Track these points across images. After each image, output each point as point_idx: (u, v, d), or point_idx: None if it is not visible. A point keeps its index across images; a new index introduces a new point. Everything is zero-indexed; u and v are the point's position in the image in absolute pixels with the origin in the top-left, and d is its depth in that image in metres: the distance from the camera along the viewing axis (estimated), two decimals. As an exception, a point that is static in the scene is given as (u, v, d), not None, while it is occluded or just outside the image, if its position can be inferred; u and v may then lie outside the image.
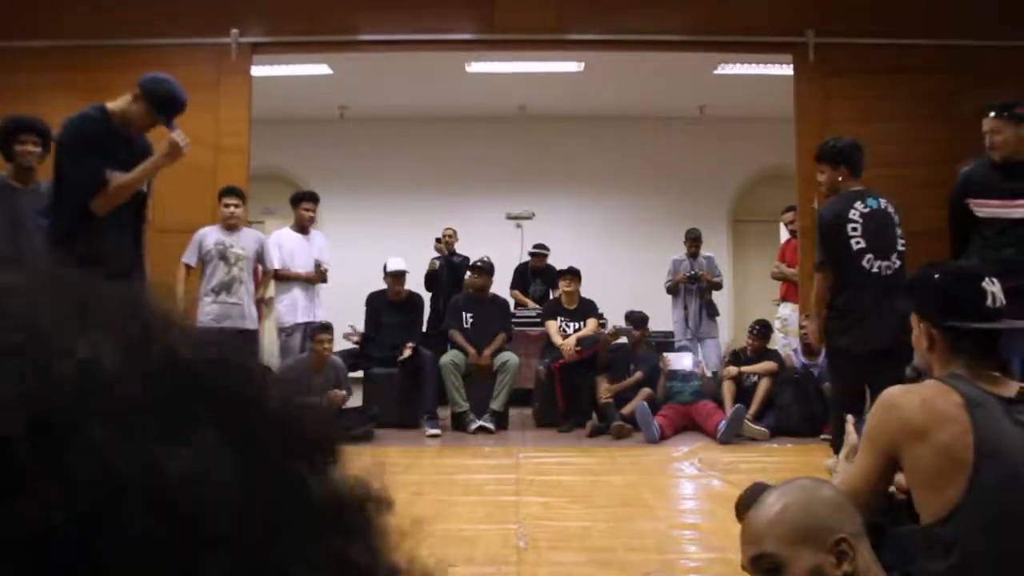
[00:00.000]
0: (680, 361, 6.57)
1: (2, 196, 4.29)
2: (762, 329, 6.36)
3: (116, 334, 0.31)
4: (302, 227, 6.34)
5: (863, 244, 3.91)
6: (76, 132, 3.28)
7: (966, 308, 1.72)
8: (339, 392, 5.67)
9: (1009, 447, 1.54)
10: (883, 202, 4.06)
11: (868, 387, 3.57)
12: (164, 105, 3.41)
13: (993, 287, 1.74)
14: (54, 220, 3.36)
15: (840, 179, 4.16)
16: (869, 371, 3.60)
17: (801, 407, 5.83)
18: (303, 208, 6.38)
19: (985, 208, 3.91)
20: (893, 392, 1.70)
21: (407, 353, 6.11)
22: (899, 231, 4.05)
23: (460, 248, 8.12)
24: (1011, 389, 1.64)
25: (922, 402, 1.61)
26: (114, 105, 3.40)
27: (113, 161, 3.28)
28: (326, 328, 5.85)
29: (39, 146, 4.30)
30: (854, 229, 3.93)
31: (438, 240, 8.01)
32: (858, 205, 3.99)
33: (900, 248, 4.00)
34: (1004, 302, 1.75)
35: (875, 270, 3.90)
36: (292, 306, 6.06)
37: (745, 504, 2.11)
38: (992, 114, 3.90)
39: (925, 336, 1.77)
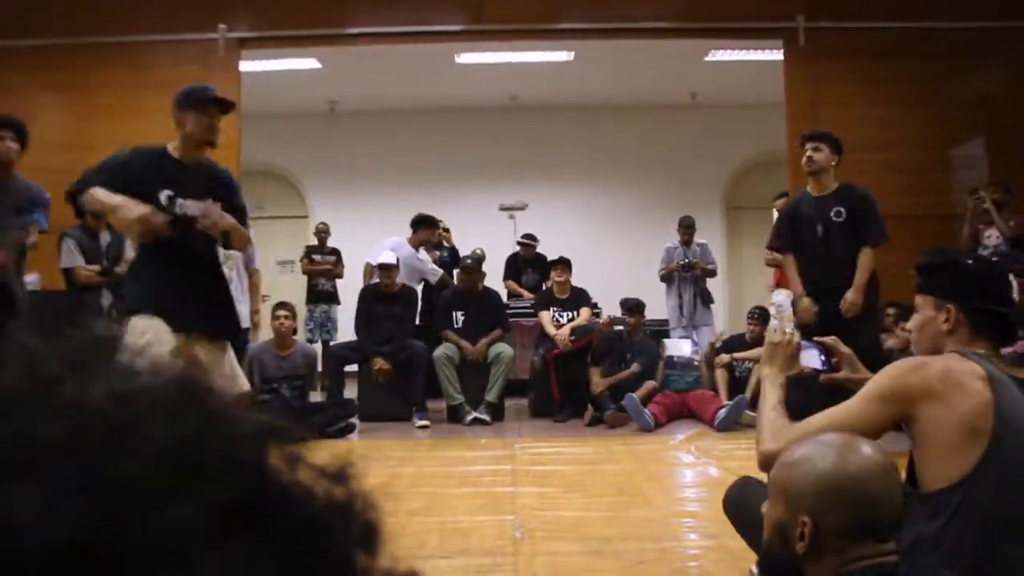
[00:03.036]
0: (679, 348, 6.58)
1: None
2: (762, 313, 6.37)
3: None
4: None
5: None
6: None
7: (997, 294, 1.78)
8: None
9: None
10: None
11: None
12: (189, 96, 3.37)
13: (1012, 280, 1.82)
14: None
15: (833, 164, 4.63)
16: None
17: (796, 392, 5.82)
18: None
19: None
20: (917, 357, 1.76)
21: (381, 365, 6.10)
22: None
23: (453, 240, 8.11)
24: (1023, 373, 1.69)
25: (947, 370, 1.64)
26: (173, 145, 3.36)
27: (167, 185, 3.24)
28: (283, 304, 5.83)
29: (16, 142, 4.25)
30: None
31: (445, 230, 8.01)
32: None
33: None
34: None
35: None
36: None
37: (732, 499, 2.11)
38: None
39: (946, 318, 1.77)
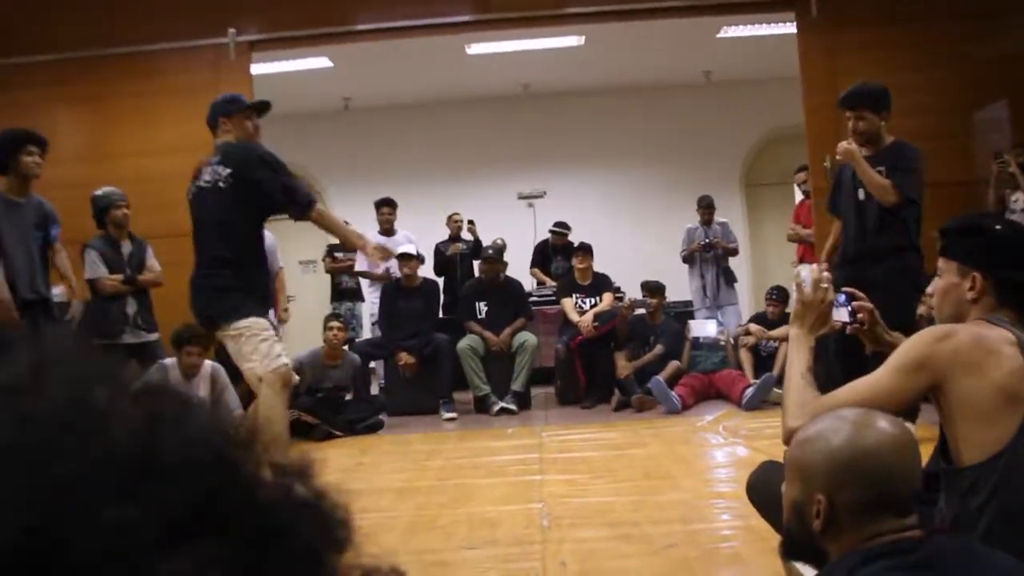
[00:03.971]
0: (704, 328, 6.54)
1: (7, 210, 4.28)
2: (780, 293, 6.32)
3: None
4: None
5: None
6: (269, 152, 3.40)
7: None
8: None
9: None
10: None
11: None
12: (237, 102, 3.55)
13: None
14: (235, 239, 3.38)
15: (883, 124, 4.30)
16: None
17: (822, 368, 5.77)
18: None
19: None
20: (944, 325, 1.69)
21: (406, 360, 6.11)
22: None
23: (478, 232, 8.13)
24: None
25: (979, 336, 1.60)
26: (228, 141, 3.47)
27: None
28: (335, 315, 5.86)
29: (42, 158, 4.32)
30: None
31: (470, 223, 8.03)
32: None
33: None
34: None
35: None
36: None
37: (755, 485, 2.09)
38: None
39: (972, 285, 1.71)
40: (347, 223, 3.82)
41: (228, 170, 3.33)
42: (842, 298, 1.96)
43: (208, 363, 4.87)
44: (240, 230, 3.37)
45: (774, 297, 6.36)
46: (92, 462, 0.31)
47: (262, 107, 3.57)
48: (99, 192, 5.01)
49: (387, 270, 6.23)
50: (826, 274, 1.90)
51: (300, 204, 3.34)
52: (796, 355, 1.83)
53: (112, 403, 0.34)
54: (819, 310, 1.87)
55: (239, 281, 3.35)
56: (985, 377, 1.54)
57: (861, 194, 4.35)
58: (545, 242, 8.14)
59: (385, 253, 3.59)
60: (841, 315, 1.95)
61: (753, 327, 6.26)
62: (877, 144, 4.35)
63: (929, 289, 1.89)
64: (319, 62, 8.15)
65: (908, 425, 1.68)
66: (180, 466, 0.33)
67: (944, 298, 1.78)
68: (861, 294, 2.00)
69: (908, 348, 1.66)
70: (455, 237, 7.96)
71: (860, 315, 1.98)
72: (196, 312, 3.47)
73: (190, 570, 0.30)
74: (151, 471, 0.32)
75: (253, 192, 3.30)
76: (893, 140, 4.39)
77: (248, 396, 5.18)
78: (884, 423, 1.32)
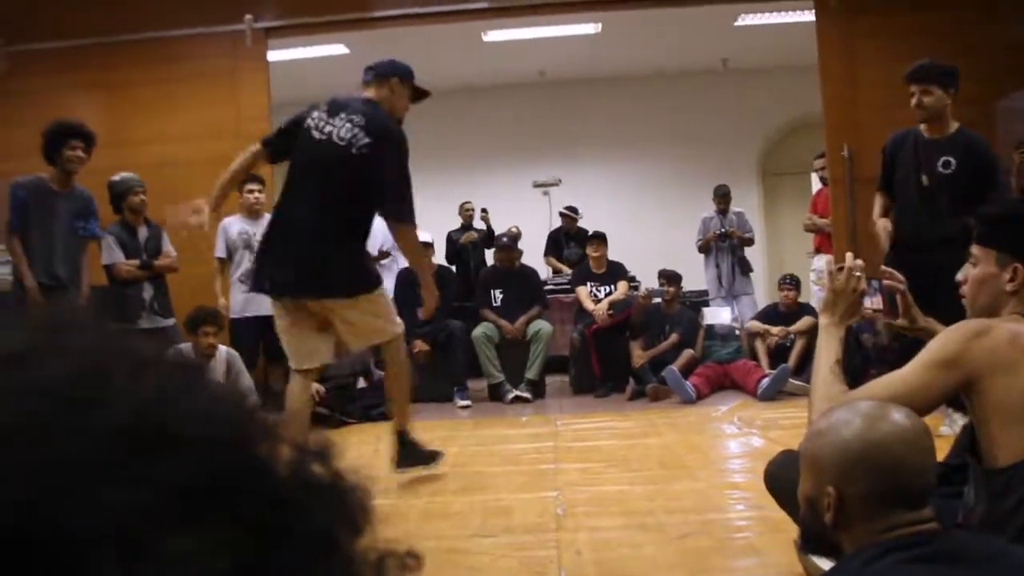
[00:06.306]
0: (718, 316, 6.51)
1: (44, 199, 4.40)
2: (792, 280, 6.28)
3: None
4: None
5: None
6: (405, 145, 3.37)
7: None
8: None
9: None
10: None
11: None
12: (413, 76, 3.52)
13: None
14: (355, 213, 3.31)
15: (949, 103, 4.05)
16: None
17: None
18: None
19: None
20: (979, 320, 1.62)
21: (420, 347, 6.11)
22: None
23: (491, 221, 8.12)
24: None
25: (1015, 334, 1.54)
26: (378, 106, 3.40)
27: None
28: None
29: (85, 152, 4.40)
30: None
31: (484, 211, 8.04)
32: None
33: None
34: None
35: None
36: None
37: (773, 474, 2.08)
38: None
39: (1011, 276, 1.64)
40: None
41: (369, 139, 3.23)
42: (875, 284, 1.89)
43: (223, 348, 4.89)
44: (366, 202, 3.32)
45: (788, 282, 6.30)
46: (94, 436, 0.30)
47: (422, 95, 3.56)
48: (116, 178, 5.03)
49: (379, 249, 6.22)
50: (859, 262, 1.81)
51: (404, 215, 3.35)
52: (825, 346, 1.76)
53: (119, 375, 0.33)
54: (850, 299, 1.80)
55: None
56: (1021, 377, 1.49)
57: (925, 180, 4.09)
58: (558, 230, 8.14)
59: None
60: (873, 303, 1.89)
61: (775, 329, 6.18)
62: (942, 126, 4.09)
63: (960, 276, 1.79)
64: (335, 49, 8.14)
65: None
66: (189, 442, 0.31)
67: (979, 287, 1.70)
68: (899, 275, 1.92)
69: (941, 343, 1.59)
70: (467, 225, 7.95)
71: (900, 296, 1.88)
72: (336, 277, 3.27)
73: (197, 550, 0.29)
74: (157, 447, 0.31)
75: (373, 177, 3.26)
76: (959, 127, 4.13)
77: (264, 383, 5.23)
78: (897, 415, 1.29)
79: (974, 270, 1.72)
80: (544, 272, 7.61)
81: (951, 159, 4.03)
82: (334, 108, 3.32)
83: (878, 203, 4.32)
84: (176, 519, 0.30)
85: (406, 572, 0.38)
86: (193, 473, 0.31)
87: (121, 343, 0.35)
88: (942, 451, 1.60)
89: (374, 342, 3.59)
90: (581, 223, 8.00)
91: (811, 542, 1.42)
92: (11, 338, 0.33)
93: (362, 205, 3.30)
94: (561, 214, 8.03)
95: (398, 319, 3.50)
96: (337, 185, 3.23)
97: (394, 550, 0.38)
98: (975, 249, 1.72)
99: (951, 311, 1.94)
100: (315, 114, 3.34)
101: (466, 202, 8.14)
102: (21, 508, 0.28)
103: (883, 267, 1.97)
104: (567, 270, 7.63)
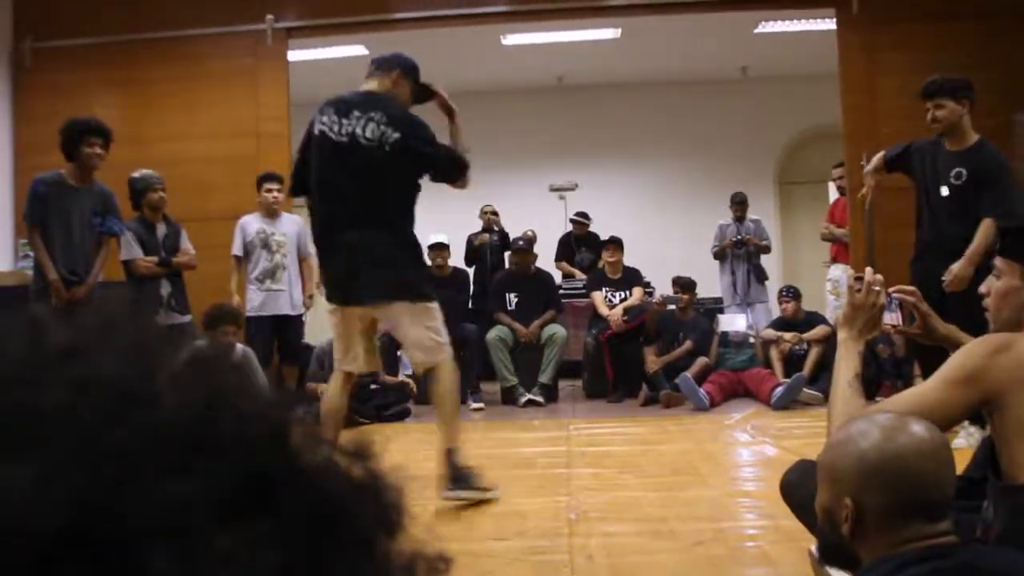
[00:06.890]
0: (733, 323, 6.49)
1: (62, 194, 4.45)
2: (791, 291, 6.28)
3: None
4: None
5: None
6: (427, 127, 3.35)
7: None
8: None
9: None
10: None
11: None
12: (418, 73, 3.53)
13: None
14: (395, 208, 3.26)
15: (965, 114, 4.09)
16: None
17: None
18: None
19: None
20: (1001, 335, 1.60)
21: None
22: None
23: (504, 223, 8.09)
24: None
25: None
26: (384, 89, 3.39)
27: None
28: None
29: (103, 148, 4.45)
30: None
31: (494, 212, 8.02)
32: None
33: None
34: None
35: None
36: None
37: (790, 483, 2.07)
38: None
39: None
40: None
41: (397, 134, 3.18)
42: (894, 299, 1.88)
43: (239, 346, 4.92)
44: (405, 198, 3.27)
45: (787, 295, 6.30)
46: (147, 432, 0.30)
47: (424, 93, 3.58)
48: (136, 175, 5.08)
49: None
50: (879, 276, 1.79)
51: (454, 175, 3.39)
52: (844, 360, 1.73)
53: (170, 372, 0.33)
54: (870, 313, 1.78)
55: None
56: None
57: (944, 191, 4.13)
58: (569, 235, 8.12)
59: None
60: (893, 318, 1.87)
61: (788, 335, 6.17)
62: (961, 138, 4.14)
63: (983, 288, 1.76)
64: (355, 50, 8.16)
65: None
66: (237, 441, 0.32)
67: (1003, 301, 1.68)
68: (911, 288, 1.91)
69: (962, 359, 1.57)
70: (488, 229, 7.95)
71: (915, 309, 1.86)
72: (386, 281, 3.19)
73: (243, 548, 0.30)
74: (207, 445, 0.31)
75: (417, 166, 3.24)
76: (978, 139, 4.18)
77: (279, 382, 5.25)
78: (916, 427, 1.28)
79: (997, 283, 1.70)
80: (556, 277, 7.60)
81: (963, 170, 4.10)
82: (344, 107, 3.27)
83: (876, 159, 4.43)
84: (227, 516, 0.30)
85: (435, 575, 0.39)
86: (241, 471, 0.31)
87: (170, 340, 0.36)
88: (959, 464, 1.59)
89: (420, 359, 3.42)
90: (594, 228, 7.98)
91: (829, 554, 1.41)
92: (61, 333, 0.33)
93: (402, 196, 3.26)
94: (572, 220, 8.03)
95: (446, 343, 3.31)
96: (373, 183, 3.18)
97: (425, 552, 0.38)
98: (999, 262, 1.71)
99: (962, 318, 1.95)
100: (323, 118, 3.28)
101: (487, 205, 8.12)
102: (79, 500, 0.28)
103: (898, 286, 1.94)
104: (579, 275, 7.62)
